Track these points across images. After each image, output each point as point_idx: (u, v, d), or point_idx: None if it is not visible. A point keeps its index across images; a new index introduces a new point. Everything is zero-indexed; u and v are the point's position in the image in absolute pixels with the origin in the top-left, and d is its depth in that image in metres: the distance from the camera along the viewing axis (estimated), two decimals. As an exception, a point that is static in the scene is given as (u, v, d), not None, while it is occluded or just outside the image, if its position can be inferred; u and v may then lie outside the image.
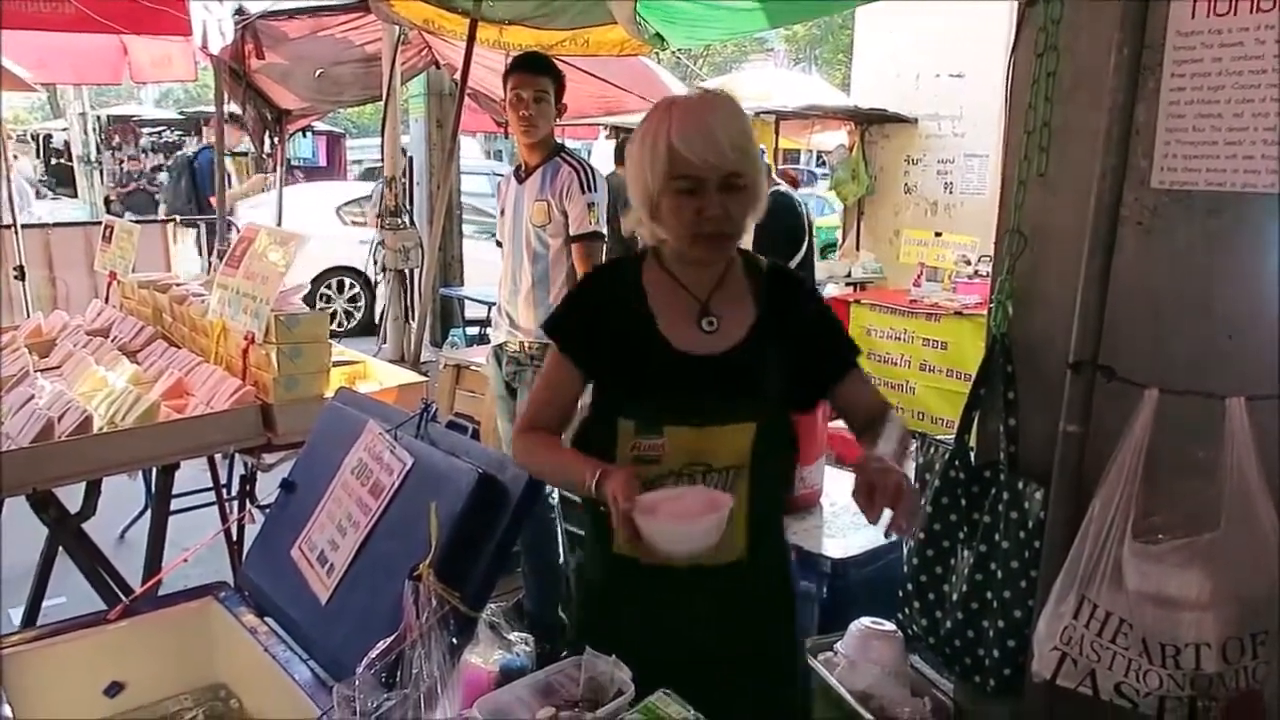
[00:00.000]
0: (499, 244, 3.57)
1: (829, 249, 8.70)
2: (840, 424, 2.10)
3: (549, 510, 3.36)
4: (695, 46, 13.36)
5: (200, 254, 7.11)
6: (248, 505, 3.26)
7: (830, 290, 7.19)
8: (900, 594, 2.06)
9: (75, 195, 15.10)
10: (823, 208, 10.77)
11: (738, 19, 3.93)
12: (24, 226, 6.08)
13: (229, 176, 7.65)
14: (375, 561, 1.61)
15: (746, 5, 3.69)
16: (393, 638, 1.39)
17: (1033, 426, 1.93)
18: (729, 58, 22.29)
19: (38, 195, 14.31)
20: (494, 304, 3.62)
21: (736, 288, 1.67)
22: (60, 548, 2.81)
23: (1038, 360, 2.03)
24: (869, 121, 7.84)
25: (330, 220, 9.94)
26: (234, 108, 6.75)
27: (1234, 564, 1.62)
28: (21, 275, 5.93)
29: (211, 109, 7.58)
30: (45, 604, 2.90)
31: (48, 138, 18.04)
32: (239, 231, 6.48)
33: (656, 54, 6.75)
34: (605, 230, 3.27)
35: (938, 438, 2.02)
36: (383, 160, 6.17)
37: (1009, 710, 2.09)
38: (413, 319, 6.16)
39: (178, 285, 3.48)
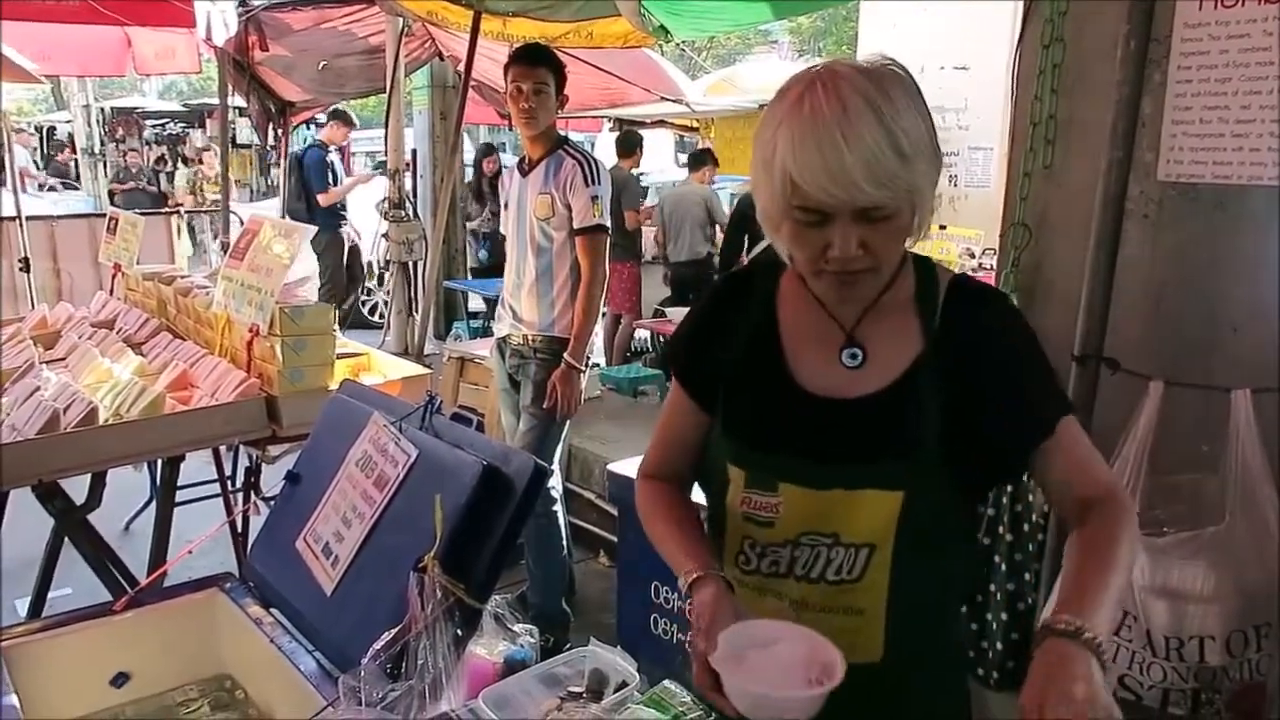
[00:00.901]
0: (503, 237, 3.57)
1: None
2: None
3: (552, 503, 3.37)
4: (699, 39, 13.35)
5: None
6: (252, 497, 3.27)
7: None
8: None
9: (78, 187, 15.10)
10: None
11: (742, 11, 3.93)
12: (29, 219, 6.09)
13: (335, 173, 7.63)
14: (380, 553, 1.61)
15: (751, -3, 3.69)
16: (398, 629, 1.39)
17: (1037, 419, 1.92)
18: (733, 50, 22.25)
19: (41, 186, 14.32)
20: (498, 297, 3.62)
21: (900, 310, 1.28)
22: (66, 539, 2.82)
23: (1042, 353, 2.03)
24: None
25: (371, 214, 9.91)
26: (238, 100, 6.76)
27: (1238, 557, 1.63)
28: (26, 267, 5.94)
29: (215, 101, 7.58)
30: (51, 595, 2.92)
31: (51, 129, 18.05)
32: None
33: (660, 46, 6.74)
34: (609, 223, 3.27)
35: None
36: (386, 153, 6.17)
37: (1013, 703, 2.09)
38: (416, 311, 6.17)
39: (182, 278, 3.49)
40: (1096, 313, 1.84)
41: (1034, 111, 1.97)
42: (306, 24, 6.01)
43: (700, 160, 7.56)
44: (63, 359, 3.09)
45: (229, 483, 3.60)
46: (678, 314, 6.34)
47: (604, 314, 6.89)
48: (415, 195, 7.95)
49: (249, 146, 14.92)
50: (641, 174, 8.41)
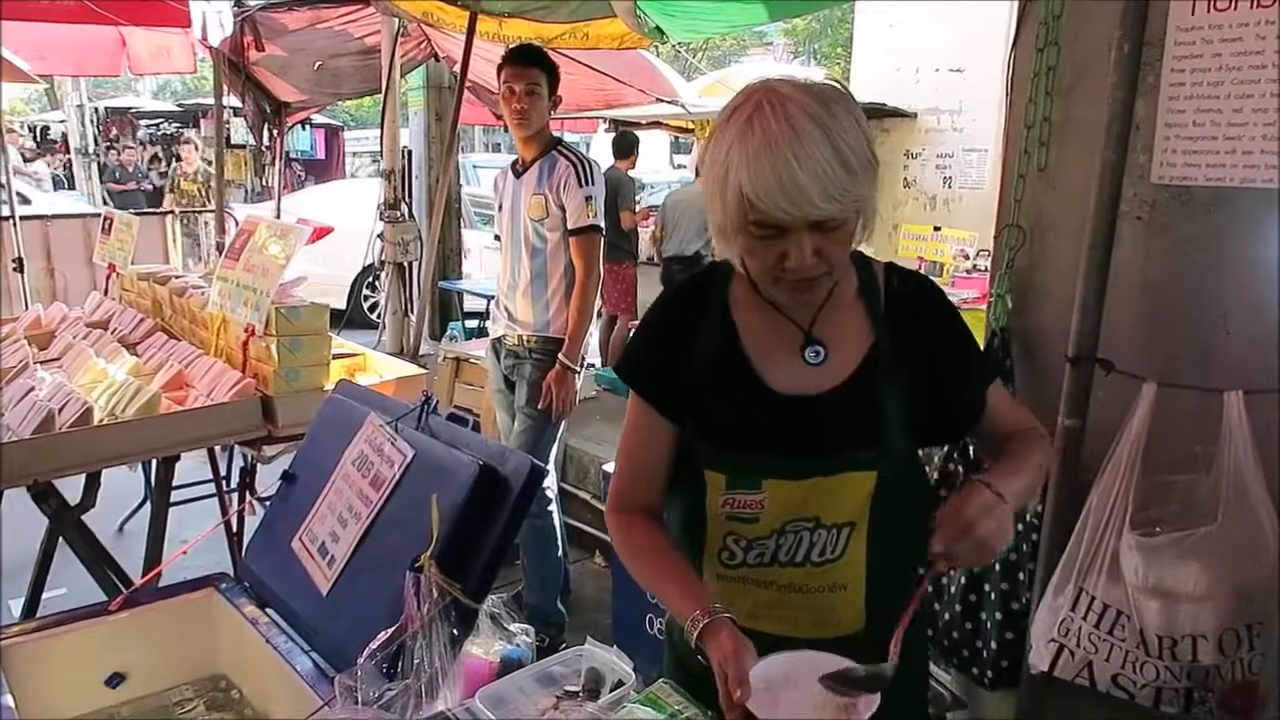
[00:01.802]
0: (496, 238, 3.56)
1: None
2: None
3: (547, 504, 3.37)
4: (695, 40, 13.35)
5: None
6: (248, 497, 3.27)
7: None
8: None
9: (71, 187, 15.07)
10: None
11: (737, 12, 3.93)
12: (23, 219, 6.08)
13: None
14: (376, 553, 1.61)
15: (746, -1, 3.69)
16: (394, 629, 1.39)
17: (1031, 420, 1.93)
18: (728, 51, 22.27)
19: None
20: (493, 297, 3.62)
21: (847, 305, 1.36)
22: (60, 540, 2.82)
23: (1037, 354, 2.04)
24: (868, 115, 7.80)
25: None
26: (234, 100, 6.74)
27: (1231, 556, 1.63)
28: (20, 267, 5.93)
29: (210, 101, 7.57)
30: (45, 595, 2.90)
31: (45, 129, 18.01)
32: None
33: (656, 47, 6.74)
34: (603, 224, 3.27)
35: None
36: (382, 154, 6.17)
37: (1006, 702, 2.10)
38: (412, 312, 6.16)
39: (177, 278, 3.48)
40: (1091, 314, 1.85)
41: (1028, 114, 1.97)
42: (302, 24, 6.00)
43: None
44: (57, 359, 3.08)
45: (224, 483, 3.60)
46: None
47: (600, 314, 6.89)
48: (410, 196, 7.94)
49: (244, 147, 14.90)
50: (635, 177, 8.40)
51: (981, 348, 1.44)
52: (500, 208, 3.43)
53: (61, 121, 16.50)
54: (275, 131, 6.92)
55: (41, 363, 2.99)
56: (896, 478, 1.32)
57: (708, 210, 1.27)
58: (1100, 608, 1.74)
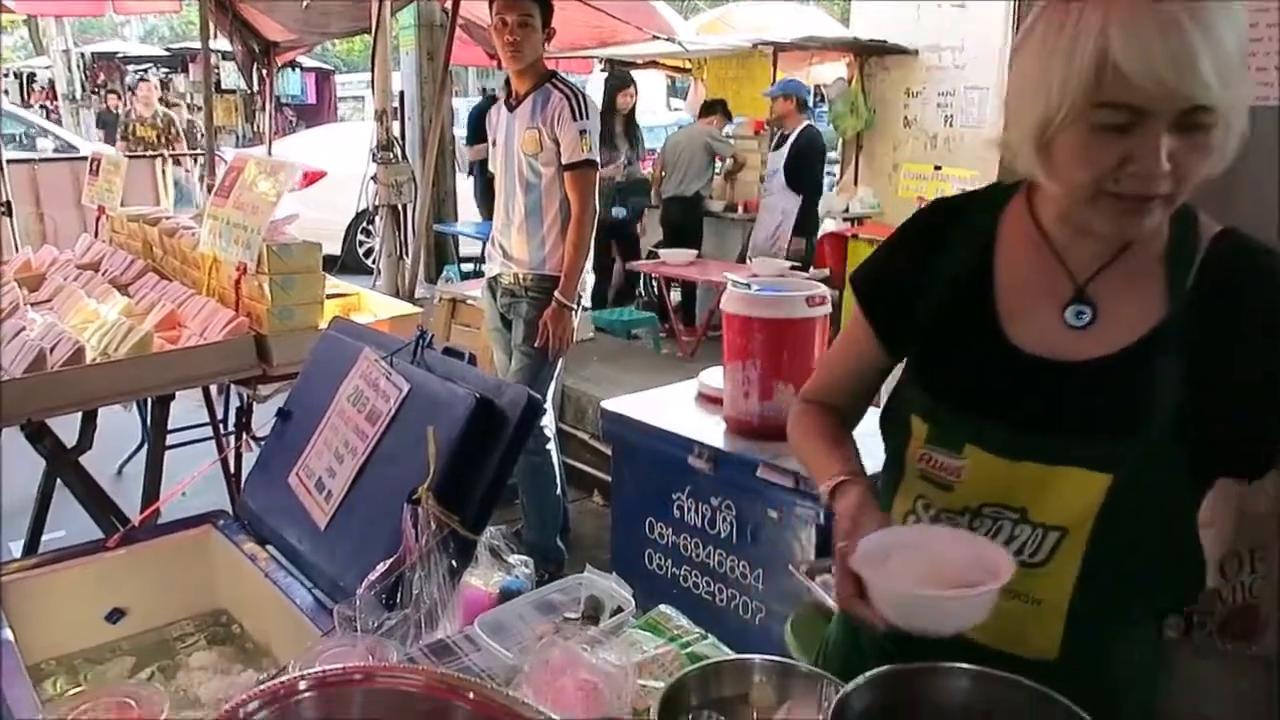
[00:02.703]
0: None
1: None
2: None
3: (545, 442, 3.37)
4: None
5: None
6: (244, 436, 3.26)
7: (828, 225, 7.14)
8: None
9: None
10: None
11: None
12: (9, 162, 6.01)
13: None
14: (373, 487, 1.60)
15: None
16: (392, 560, 1.39)
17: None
18: (725, -11, 21.88)
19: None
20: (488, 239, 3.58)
21: (1144, 266, 1.09)
22: (58, 482, 2.82)
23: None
24: (868, 53, 7.70)
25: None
26: (222, 43, 6.61)
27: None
28: (8, 211, 5.87)
29: (198, 45, 7.42)
30: (45, 537, 2.91)
31: (31, 75, 17.72)
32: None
33: (652, -18, 6.60)
34: (599, 158, 3.22)
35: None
36: (373, 93, 6.06)
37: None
38: (406, 255, 6.10)
39: (168, 218, 3.43)
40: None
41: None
42: (289, -40, 5.86)
43: (711, 109, 7.80)
44: (48, 301, 3.05)
45: (221, 425, 3.59)
46: (671, 255, 6.31)
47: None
48: (404, 138, 7.83)
49: (233, 92, 14.68)
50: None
51: None
52: (494, 143, 3.37)
53: (48, 67, 16.23)
54: (265, 72, 6.80)
55: (32, 304, 2.96)
56: (1142, 490, 1.05)
57: (1015, 101, 1.05)
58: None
